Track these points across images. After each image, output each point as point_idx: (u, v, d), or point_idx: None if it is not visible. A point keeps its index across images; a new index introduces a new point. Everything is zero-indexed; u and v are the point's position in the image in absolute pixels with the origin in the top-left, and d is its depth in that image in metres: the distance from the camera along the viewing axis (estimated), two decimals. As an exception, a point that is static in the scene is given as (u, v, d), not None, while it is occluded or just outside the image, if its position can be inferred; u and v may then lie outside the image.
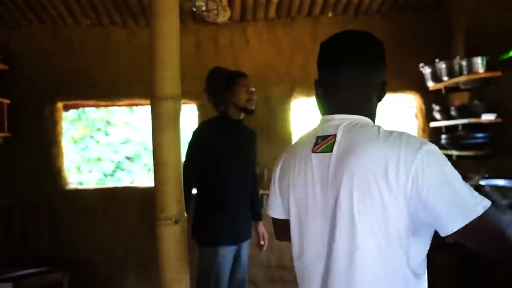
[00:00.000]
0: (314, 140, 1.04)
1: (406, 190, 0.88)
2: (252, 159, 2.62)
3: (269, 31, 3.78)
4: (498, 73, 2.91)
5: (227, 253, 2.37)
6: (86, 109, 6.46)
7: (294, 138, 3.81)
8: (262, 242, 2.66)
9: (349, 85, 1.05)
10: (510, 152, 2.83)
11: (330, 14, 3.76)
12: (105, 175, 7.01)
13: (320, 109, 1.12)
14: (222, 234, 2.36)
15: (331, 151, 0.99)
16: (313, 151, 1.02)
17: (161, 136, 1.30)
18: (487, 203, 0.87)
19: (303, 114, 6.19)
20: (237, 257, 2.47)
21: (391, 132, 0.95)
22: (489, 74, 2.93)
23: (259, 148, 3.67)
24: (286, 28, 3.78)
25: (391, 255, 0.91)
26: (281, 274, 3.78)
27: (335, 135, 1.00)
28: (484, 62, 2.95)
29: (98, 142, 7.08)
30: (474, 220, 0.85)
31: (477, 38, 3.23)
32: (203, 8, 2.01)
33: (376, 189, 0.89)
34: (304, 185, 1.03)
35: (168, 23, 1.34)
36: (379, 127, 0.99)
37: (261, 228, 2.65)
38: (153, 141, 1.33)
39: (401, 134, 0.94)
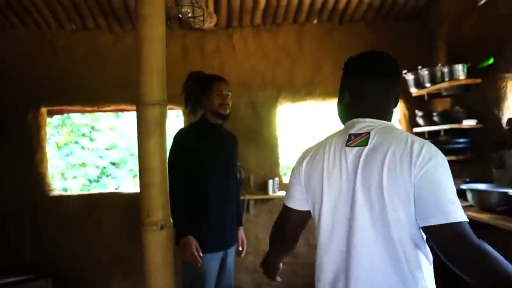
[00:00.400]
0: (347, 137, 1.20)
1: (410, 180, 1.07)
2: (234, 163, 2.61)
3: (255, 37, 3.81)
4: (479, 80, 2.99)
5: (213, 260, 2.34)
6: (71, 114, 6.40)
7: (280, 143, 3.84)
8: (240, 248, 2.62)
9: (376, 95, 1.24)
10: (489, 157, 2.89)
11: (315, 21, 3.81)
12: (90, 181, 6.93)
13: (344, 113, 1.31)
14: (208, 242, 2.31)
15: (366, 145, 1.15)
16: (347, 145, 1.19)
17: (147, 141, 1.31)
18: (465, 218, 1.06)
19: (289, 119, 6.24)
20: (223, 263, 2.44)
21: (415, 139, 1.14)
22: (470, 81, 3.01)
23: (245, 153, 3.71)
24: (272, 34, 3.81)
25: (406, 224, 1.09)
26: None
27: (368, 133, 1.17)
28: (465, 69, 3.03)
29: (83, 147, 7.00)
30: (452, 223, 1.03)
31: (458, 46, 3.31)
32: (189, 15, 2.02)
33: (402, 175, 1.07)
34: (338, 178, 1.17)
35: (154, 29, 1.36)
36: (406, 132, 1.19)
37: (241, 233, 2.59)
38: (139, 146, 1.33)
39: (422, 143, 1.12)
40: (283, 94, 3.79)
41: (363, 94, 1.25)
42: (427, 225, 1.05)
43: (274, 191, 3.60)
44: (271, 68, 3.80)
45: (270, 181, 3.58)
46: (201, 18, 2.01)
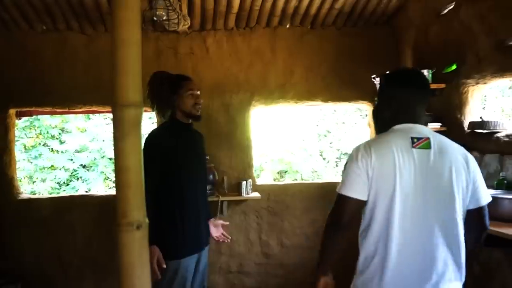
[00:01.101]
0: (410, 140, 1.48)
1: (469, 176, 1.49)
2: (206, 162, 2.62)
3: (228, 41, 3.85)
4: (443, 85, 3.14)
5: (189, 264, 2.33)
6: (40, 116, 6.25)
7: (254, 145, 3.89)
8: (218, 234, 2.62)
9: (420, 104, 1.57)
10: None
11: (287, 26, 3.89)
12: (59, 184, 6.78)
13: (390, 120, 1.56)
14: (185, 246, 2.30)
15: (430, 148, 1.46)
16: (413, 147, 1.46)
17: (123, 142, 1.32)
18: None
19: (262, 122, 6.31)
20: (197, 263, 2.44)
21: (459, 145, 1.58)
22: (434, 86, 3.15)
23: (219, 155, 3.74)
24: (245, 37, 3.86)
25: (463, 213, 1.49)
26: (241, 280, 3.82)
27: (428, 137, 1.49)
28: (430, 75, 3.16)
29: (52, 150, 6.85)
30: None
31: (424, 52, 3.46)
32: (164, 18, 2.04)
33: (463, 172, 1.48)
34: (409, 172, 1.44)
35: (130, 32, 1.37)
36: (446, 138, 1.57)
37: (218, 222, 2.62)
38: (114, 147, 1.34)
39: (464, 149, 1.58)
40: (256, 97, 3.85)
41: (410, 104, 1.55)
42: (483, 204, 1.52)
43: (247, 193, 3.64)
44: (244, 71, 3.85)
45: (244, 183, 3.62)
46: (176, 21, 2.03)
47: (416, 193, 1.43)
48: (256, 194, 3.70)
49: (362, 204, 1.50)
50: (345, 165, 1.55)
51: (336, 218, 1.54)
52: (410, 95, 1.55)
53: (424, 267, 1.44)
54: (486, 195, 1.53)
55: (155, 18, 2.06)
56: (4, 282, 3.15)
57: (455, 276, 1.46)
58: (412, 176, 1.43)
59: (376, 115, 1.66)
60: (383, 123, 1.59)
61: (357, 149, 1.52)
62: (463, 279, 1.50)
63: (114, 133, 1.35)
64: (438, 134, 1.54)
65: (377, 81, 3.45)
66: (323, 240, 1.60)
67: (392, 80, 1.62)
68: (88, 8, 3.43)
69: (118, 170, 1.34)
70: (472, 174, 1.50)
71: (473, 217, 1.52)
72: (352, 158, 1.51)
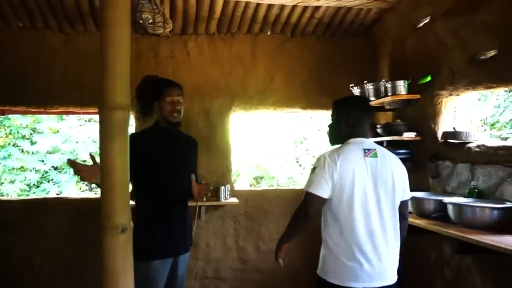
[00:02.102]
0: (362, 151, 1.90)
1: (402, 176, 1.96)
2: (191, 167, 2.59)
3: (209, 45, 3.87)
4: (418, 96, 3.24)
5: (161, 267, 2.27)
6: (10, 115, 6.07)
7: (233, 150, 3.90)
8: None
9: (368, 123, 2.01)
10: (426, 167, 3.14)
11: (268, 33, 3.94)
12: (29, 186, 6.58)
13: (346, 133, 1.98)
14: (157, 248, 2.25)
15: (377, 157, 1.90)
16: (365, 156, 1.89)
17: (110, 144, 1.31)
18: None
19: (240, 127, 6.32)
20: (174, 270, 2.38)
21: (392, 154, 2.02)
22: (410, 96, 3.25)
23: (198, 159, 3.72)
24: (227, 43, 3.88)
25: (399, 201, 1.95)
26: (217, 285, 3.81)
27: (375, 149, 1.93)
28: (406, 85, 3.27)
29: (22, 150, 6.64)
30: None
31: (400, 63, 3.57)
32: (150, 21, 2.03)
33: (399, 173, 1.94)
34: (363, 176, 1.85)
35: (120, 33, 1.37)
36: (384, 148, 2.04)
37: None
38: (101, 150, 1.33)
39: (396, 156, 2.02)
40: (236, 102, 3.87)
41: (363, 122, 1.99)
42: (407, 198, 1.99)
43: (225, 198, 3.64)
44: (224, 76, 3.87)
45: (222, 188, 3.63)
46: (160, 24, 2.03)
47: (369, 190, 1.86)
48: (234, 200, 3.70)
49: (324, 201, 1.87)
50: (313, 169, 1.91)
51: (304, 210, 1.90)
52: (363, 116, 2.00)
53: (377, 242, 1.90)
54: (409, 192, 2.00)
55: (140, 21, 2.05)
56: (-29, 287, 3.03)
57: (396, 243, 1.94)
58: (366, 178, 1.86)
59: (334, 129, 2.05)
60: (340, 136, 2.01)
61: (324, 158, 1.89)
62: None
63: (101, 135, 1.35)
64: (380, 146, 1.99)
65: (355, 90, 3.53)
66: (291, 226, 2.02)
67: (351, 104, 2.06)
68: (68, 7, 3.38)
69: (104, 172, 1.33)
70: (404, 175, 1.96)
71: (400, 207, 1.96)
72: (320, 165, 1.88)
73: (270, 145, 7.31)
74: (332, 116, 2.09)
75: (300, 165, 7.55)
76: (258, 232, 3.88)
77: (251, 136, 7.07)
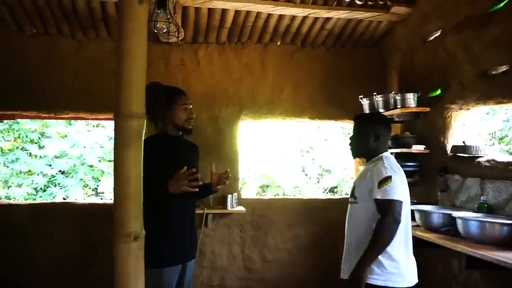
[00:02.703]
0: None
1: None
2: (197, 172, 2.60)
3: (220, 54, 3.89)
4: (427, 109, 3.24)
5: (172, 274, 2.28)
6: (19, 119, 6.12)
7: (241, 158, 3.91)
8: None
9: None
10: (435, 180, 3.13)
11: (278, 43, 3.96)
12: (36, 190, 6.61)
13: (372, 146, 2.14)
14: (168, 255, 2.26)
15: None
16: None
17: (125, 152, 1.33)
18: None
19: (250, 135, 6.34)
20: (181, 276, 2.41)
21: None
22: (419, 109, 3.25)
23: (205, 167, 3.72)
24: (237, 52, 3.91)
25: None
26: (222, 294, 3.79)
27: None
28: (416, 98, 3.27)
29: (30, 154, 6.69)
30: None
31: (410, 76, 3.57)
32: (164, 30, 2.06)
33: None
34: (406, 184, 2.07)
35: (136, 44, 1.39)
36: None
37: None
38: (115, 158, 1.35)
39: None
40: (245, 111, 3.88)
41: (387, 138, 2.19)
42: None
43: (232, 206, 3.64)
44: (234, 85, 3.89)
45: (229, 196, 3.63)
46: (176, 34, 2.05)
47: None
48: (241, 208, 3.70)
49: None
50: (388, 178, 1.97)
51: (396, 219, 1.92)
52: (388, 133, 2.20)
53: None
54: None
55: (155, 30, 2.07)
56: (-22, 290, 3.04)
57: None
58: (406, 186, 2.07)
59: (361, 143, 2.17)
60: (366, 150, 2.17)
61: (390, 166, 2.03)
62: None
63: (116, 143, 1.36)
64: None
65: (364, 101, 3.53)
66: (382, 240, 1.92)
67: (377, 120, 2.24)
68: (81, 14, 3.42)
69: (118, 180, 1.35)
70: None
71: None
72: (393, 173, 2.00)
73: (276, 154, 7.32)
74: (357, 130, 2.22)
75: (306, 174, 7.55)
76: (264, 241, 3.88)
77: (258, 145, 7.08)
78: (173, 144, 2.40)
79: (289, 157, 7.42)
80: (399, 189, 1.98)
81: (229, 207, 3.62)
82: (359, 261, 1.93)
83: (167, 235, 2.30)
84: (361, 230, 2.04)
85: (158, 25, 1.99)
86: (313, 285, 3.88)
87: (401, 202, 1.96)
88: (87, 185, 6.88)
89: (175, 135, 2.41)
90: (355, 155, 2.28)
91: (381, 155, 2.12)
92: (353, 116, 3.83)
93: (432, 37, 3.22)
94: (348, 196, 2.29)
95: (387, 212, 1.92)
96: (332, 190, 7.47)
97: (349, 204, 2.21)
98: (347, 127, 5.53)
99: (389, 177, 1.98)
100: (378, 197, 1.95)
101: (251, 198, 4.05)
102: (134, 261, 1.34)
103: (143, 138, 1.38)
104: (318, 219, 3.91)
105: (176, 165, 2.35)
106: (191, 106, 2.42)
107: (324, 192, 7.40)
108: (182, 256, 2.38)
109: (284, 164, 7.33)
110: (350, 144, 2.26)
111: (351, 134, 2.27)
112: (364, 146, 2.16)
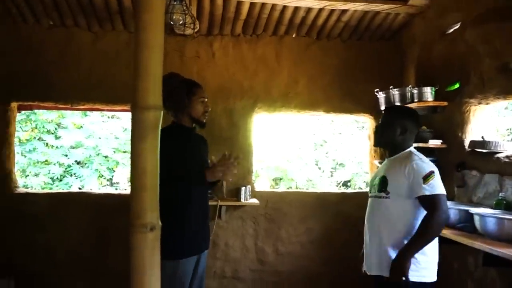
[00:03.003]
0: None
1: None
2: (207, 166, 2.61)
3: (234, 47, 3.88)
4: (445, 103, 3.18)
5: (188, 265, 2.31)
6: (36, 110, 6.21)
7: (255, 151, 3.91)
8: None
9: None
10: (452, 176, 3.08)
11: (294, 35, 3.93)
12: (53, 180, 6.73)
13: (398, 139, 2.14)
14: (184, 246, 2.29)
15: None
16: None
17: (142, 144, 1.33)
18: None
19: (264, 128, 6.33)
20: (195, 268, 2.43)
21: None
22: (437, 103, 3.20)
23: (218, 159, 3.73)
24: (252, 45, 3.89)
25: None
26: (235, 285, 3.82)
27: None
28: (433, 92, 3.21)
29: (47, 144, 6.80)
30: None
31: (427, 69, 3.51)
32: (180, 22, 2.05)
33: None
34: None
35: (153, 35, 1.38)
36: None
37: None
38: (132, 149, 1.35)
39: None
40: (259, 104, 3.87)
41: (414, 135, 2.21)
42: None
43: (246, 198, 3.65)
44: (249, 77, 3.87)
45: (243, 188, 3.63)
46: (191, 26, 2.05)
47: None
48: (254, 200, 3.71)
49: None
50: (431, 174, 1.98)
51: (446, 212, 1.95)
52: (417, 129, 2.22)
53: None
54: None
55: (171, 22, 2.07)
56: (-3, 276, 3.12)
57: None
58: None
59: (389, 134, 2.15)
60: (391, 143, 2.16)
61: (427, 161, 2.07)
62: None
63: (132, 135, 1.37)
64: None
65: (380, 95, 3.49)
66: (436, 231, 1.95)
67: (409, 114, 2.20)
68: (97, 6, 3.44)
69: (134, 172, 1.35)
70: None
71: None
72: (434, 168, 2.03)
73: (290, 147, 7.30)
74: (385, 121, 2.19)
75: (319, 168, 7.52)
76: (278, 234, 3.88)
77: (271, 138, 7.07)
78: (187, 136, 2.42)
79: (302, 150, 7.40)
80: (441, 183, 2.00)
81: (242, 200, 3.63)
82: (402, 253, 1.94)
83: (183, 227, 2.33)
84: (394, 226, 2.02)
85: (174, 17, 1.98)
86: (326, 279, 3.87)
87: (446, 196, 1.99)
88: (102, 176, 6.97)
89: (188, 127, 2.43)
90: (378, 144, 2.33)
91: (409, 150, 2.13)
92: (370, 109, 3.85)
93: (451, 30, 3.16)
94: (369, 190, 2.27)
95: (436, 206, 1.93)
96: (345, 184, 7.44)
97: (374, 199, 2.16)
98: (362, 120, 5.49)
99: (433, 172, 2.00)
100: (427, 193, 1.95)
101: (265, 191, 4.05)
102: (150, 252, 1.35)
103: (159, 130, 1.39)
104: (331, 213, 3.90)
105: (189, 157, 2.37)
106: (207, 100, 2.43)
107: (337, 186, 7.37)
108: (197, 247, 2.41)
109: (298, 157, 7.31)
110: (376, 133, 2.25)
111: (380, 122, 2.25)
112: (389, 138, 2.15)
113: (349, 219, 3.87)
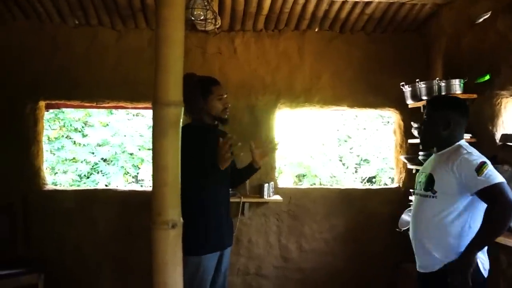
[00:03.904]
0: None
1: None
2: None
3: (256, 42, 3.85)
4: (474, 96, 3.07)
5: (211, 261, 2.34)
6: (64, 108, 6.35)
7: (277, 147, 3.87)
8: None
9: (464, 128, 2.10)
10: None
11: (316, 29, 3.87)
12: (80, 177, 6.88)
13: (444, 134, 2.00)
14: (207, 242, 2.31)
15: None
16: None
17: (163, 140, 1.33)
18: None
19: (286, 124, 6.29)
20: (218, 264, 2.44)
21: None
22: (466, 96, 3.08)
23: (242, 156, 3.72)
24: (274, 40, 3.85)
25: None
26: (259, 282, 3.81)
27: None
28: (462, 84, 3.10)
29: (74, 142, 6.95)
30: None
31: (455, 61, 3.39)
32: (201, 18, 2.04)
33: None
34: None
35: (174, 31, 1.38)
36: None
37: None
38: (153, 145, 1.35)
39: None
40: (282, 100, 3.84)
41: (462, 126, 2.06)
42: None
43: (269, 195, 3.63)
44: (271, 73, 3.84)
45: (266, 185, 3.61)
46: (212, 21, 2.04)
47: None
48: (277, 197, 3.68)
49: None
50: (484, 164, 1.85)
51: (510, 200, 1.78)
52: (464, 119, 2.03)
53: None
54: None
55: (192, 18, 2.06)
56: (27, 271, 3.20)
57: None
58: None
59: (433, 130, 2.01)
60: (436, 140, 2.02)
61: (479, 154, 1.94)
62: None
63: (154, 131, 1.36)
64: None
65: (406, 89, 3.40)
66: (506, 221, 1.80)
67: (452, 105, 2.03)
68: (120, 4, 3.47)
69: (156, 168, 1.35)
70: None
71: None
72: (486, 160, 1.89)
73: (313, 143, 7.22)
74: (426, 117, 2.05)
75: (343, 164, 7.42)
76: (301, 231, 3.84)
77: (294, 134, 7.02)
78: (210, 134, 2.42)
79: (326, 146, 7.32)
80: (497, 172, 1.86)
81: (265, 196, 3.61)
82: (469, 249, 1.82)
83: (206, 223, 2.35)
84: (441, 227, 1.92)
85: (195, 12, 1.97)
86: (351, 276, 3.82)
87: (506, 183, 1.83)
88: (128, 173, 7.08)
89: (211, 124, 2.43)
90: (423, 144, 2.16)
91: (458, 144, 1.98)
92: (395, 104, 3.76)
93: (481, 19, 3.03)
94: (415, 186, 2.18)
95: (497, 196, 1.78)
96: (370, 180, 7.31)
97: (420, 197, 2.05)
98: (387, 115, 5.37)
99: (485, 162, 1.86)
100: (485, 185, 1.79)
101: (288, 187, 4.02)
102: (172, 249, 1.35)
103: (180, 125, 1.38)
104: (356, 209, 3.84)
105: (212, 155, 2.37)
106: (226, 96, 2.43)
107: (362, 182, 7.25)
108: (220, 243, 2.42)
109: (321, 153, 7.23)
110: (418, 133, 2.15)
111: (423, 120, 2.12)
112: (433, 135, 2.01)
113: (373, 216, 3.80)
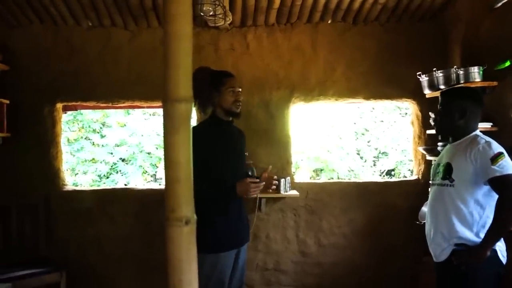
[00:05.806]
0: None
1: None
2: (245, 159, 2.61)
3: (269, 37, 3.82)
4: (494, 83, 2.98)
5: (228, 258, 2.33)
6: (82, 110, 6.45)
7: (293, 142, 3.86)
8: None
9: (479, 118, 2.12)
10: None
11: (329, 21, 3.82)
12: (100, 177, 6.99)
13: (460, 125, 2.03)
14: (224, 240, 2.31)
15: None
16: None
17: (174, 137, 1.31)
18: None
19: (299, 118, 6.25)
20: (236, 261, 2.44)
21: None
22: (485, 84, 3.00)
23: (258, 151, 3.72)
24: (286, 34, 3.82)
25: None
26: (278, 277, 3.80)
27: None
28: (481, 72, 3.02)
29: (93, 143, 7.06)
30: None
31: (474, 48, 3.30)
32: (211, 13, 2.03)
33: None
34: None
35: (182, 27, 1.36)
36: None
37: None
38: (165, 142, 1.34)
39: None
40: (296, 94, 3.80)
41: (478, 116, 2.08)
42: None
43: (286, 190, 3.61)
44: (284, 67, 3.81)
45: (282, 180, 3.59)
46: (222, 17, 2.02)
47: None
48: (294, 192, 3.66)
49: None
50: (500, 155, 1.89)
51: None
52: (479, 108, 2.05)
53: None
54: None
55: (201, 13, 2.05)
56: (49, 270, 3.26)
57: None
58: None
59: (448, 121, 2.03)
60: (452, 129, 2.04)
61: (496, 144, 1.96)
62: None
63: (164, 127, 1.36)
64: None
65: (423, 78, 3.33)
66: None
67: (467, 95, 2.05)
68: (132, 4, 3.49)
69: (167, 165, 1.34)
70: None
71: None
72: (503, 150, 1.93)
73: (330, 137, 7.16)
74: (442, 107, 2.07)
75: (361, 158, 7.34)
76: (319, 225, 3.82)
77: (311, 128, 6.97)
78: (224, 130, 2.41)
79: (343, 140, 7.25)
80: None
81: (282, 191, 3.59)
82: (485, 242, 1.85)
83: (223, 220, 2.33)
84: (458, 215, 1.93)
85: (204, 8, 1.96)
86: (370, 270, 3.78)
87: None
88: (146, 172, 7.16)
89: (225, 120, 2.41)
90: (439, 133, 2.24)
91: (474, 133, 2.03)
92: (412, 94, 3.69)
93: (500, 4, 2.94)
94: (431, 177, 2.19)
95: (508, 187, 1.83)
96: (389, 173, 7.21)
97: (437, 187, 2.07)
98: (404, 106, 5.28)
99: (501, 153, 1.91)
100: (497, 174, 1.83)
101: (305, 182, 3.99)
102: (186, 245, 1.34)
103: (191, 121, 1.37)
104: (375, 203, 3.78)
105: (227, 152, 2.36)
106: (239, 89, 2.40)
107: (380, 175, 7.16)
108: (237, 240, 2.41)
109: (338, 147, 7.16)
110: (434, 121, 2.13)
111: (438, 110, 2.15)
112: (449, 124, 2.05)
113: (393, 209, 3.75)
